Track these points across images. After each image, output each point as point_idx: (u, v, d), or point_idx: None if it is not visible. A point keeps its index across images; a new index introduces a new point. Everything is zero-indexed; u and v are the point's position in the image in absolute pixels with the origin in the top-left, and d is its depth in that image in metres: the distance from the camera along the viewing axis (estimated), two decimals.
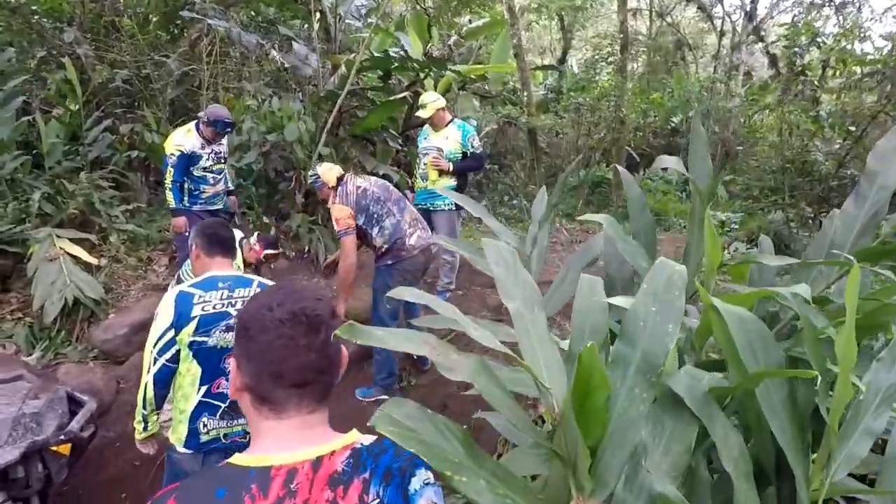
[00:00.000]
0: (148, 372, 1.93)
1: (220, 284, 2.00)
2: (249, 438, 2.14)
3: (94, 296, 4.10)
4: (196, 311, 1.92)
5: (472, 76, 8.04)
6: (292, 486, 0.76)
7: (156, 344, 1.91)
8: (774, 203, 7.44)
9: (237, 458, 0.82)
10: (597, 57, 13.51)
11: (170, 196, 4.04)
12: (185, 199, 4.15)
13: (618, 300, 1.08)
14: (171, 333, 1.90)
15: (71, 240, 4.36)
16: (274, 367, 0.81)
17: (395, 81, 7.16)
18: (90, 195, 4.58)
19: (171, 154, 3.97)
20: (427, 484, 0.80)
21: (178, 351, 1.93)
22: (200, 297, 1.95)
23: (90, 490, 3.01)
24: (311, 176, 3.42)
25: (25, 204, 4.35)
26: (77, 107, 5.02)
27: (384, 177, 6.26)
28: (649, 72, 14.30)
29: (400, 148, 6.65)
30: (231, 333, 1.95)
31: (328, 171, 3.28)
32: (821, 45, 7.24)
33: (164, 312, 1.92)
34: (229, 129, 4.25)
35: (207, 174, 4.17)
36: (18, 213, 4.31)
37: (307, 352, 0.82)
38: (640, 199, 1.68)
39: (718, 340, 1.09)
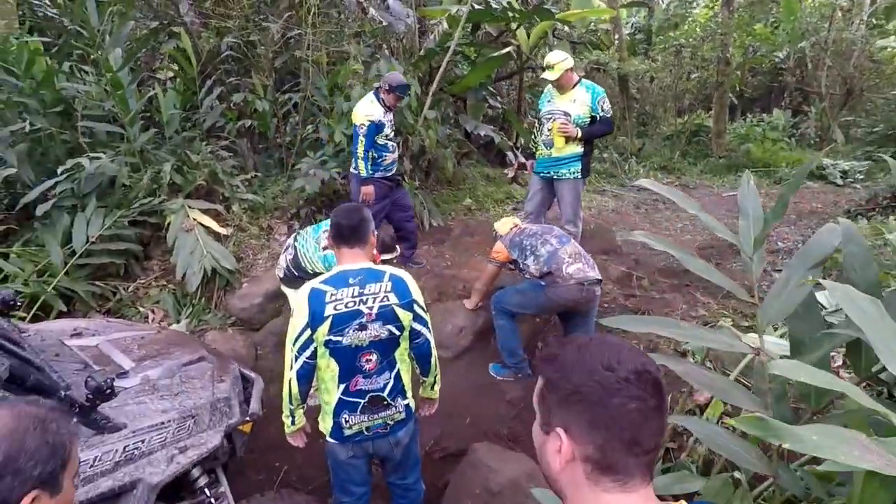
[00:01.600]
0: (290, 369, 1.96)
1: (351, 280, 1.94)
2: (391, 428, 2.10)
3: (229, 266, 4.30)
4: (329, 311, 1.89)
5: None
6: None
7: (295, 342, 1.92)
8: None
9: None
10: None
11: (362, 165, 4.15)
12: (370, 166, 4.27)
13: None
14: (308, 333, 1.90)
15: (201, 210, 4.55)
16: (629, 434, 0.75)
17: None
18: (213, 165, 4.72)
19: (362, 125, 4.05)
20: None
21: (316, 348, 1.93)
22: (332, 294, 1.91)
23: (252, 454, 3.25)
24: (493, 232, 3.69)
25: (157, 175, 4.54)
26: (191, 76, 5.10)
27: (483, 137, 6.06)
28: (754, 1, 12.79)
29: (498, 106, 6.38)
30: (364, 332, 1.93)
31: (502, 226, 3.54)
32: None
33: (300, 311, 1.91)
34: (409, 92, 4.39)
35: (388, 142, 4.27)
36: (151, 184, 4.52)
37: (658, 414, 0.77)
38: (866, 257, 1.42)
39: None
